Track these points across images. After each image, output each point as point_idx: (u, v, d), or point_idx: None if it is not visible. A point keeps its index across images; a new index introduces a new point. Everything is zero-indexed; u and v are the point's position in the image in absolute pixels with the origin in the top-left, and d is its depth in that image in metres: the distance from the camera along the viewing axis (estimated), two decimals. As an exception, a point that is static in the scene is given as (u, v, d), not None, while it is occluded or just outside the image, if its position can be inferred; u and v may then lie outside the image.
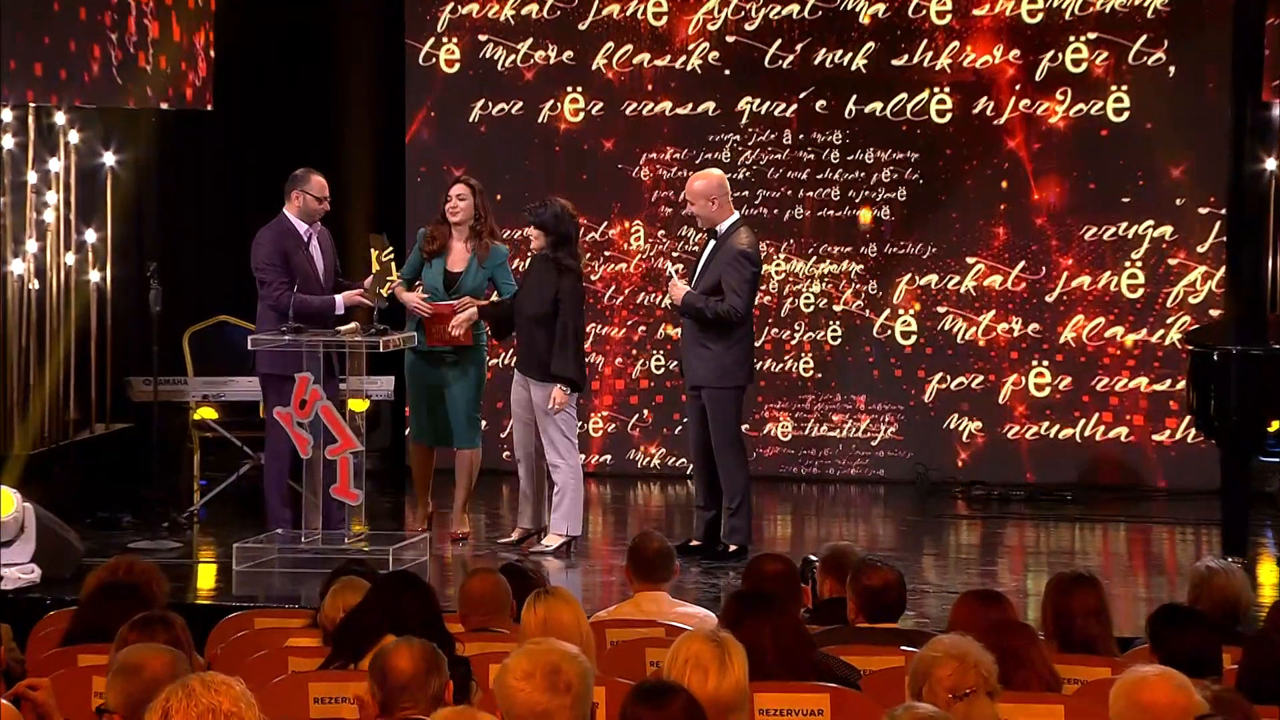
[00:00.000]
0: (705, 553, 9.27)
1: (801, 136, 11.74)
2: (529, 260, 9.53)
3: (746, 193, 11.65)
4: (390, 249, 9.36)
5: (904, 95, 11.58)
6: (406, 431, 10.22)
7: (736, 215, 9.41)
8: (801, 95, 11.68)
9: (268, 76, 11.95)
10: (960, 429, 11.65)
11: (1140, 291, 11.44)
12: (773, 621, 5.09)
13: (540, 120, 11.97)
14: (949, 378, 11.65)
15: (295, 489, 9.37)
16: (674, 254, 11.70)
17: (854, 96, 11.63)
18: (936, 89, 11.56)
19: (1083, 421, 11.54)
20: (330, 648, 5.39)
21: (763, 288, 11.26)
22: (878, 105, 11.63)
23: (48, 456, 10.47)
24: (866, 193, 11.69)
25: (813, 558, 6.66)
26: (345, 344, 9.02)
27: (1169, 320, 11.41)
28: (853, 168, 11.70)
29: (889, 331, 11.73)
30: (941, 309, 11.66)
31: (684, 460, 11.51)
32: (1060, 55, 11.44)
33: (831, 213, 11.75)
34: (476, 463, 9.66)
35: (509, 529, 9.65)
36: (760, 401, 11.76)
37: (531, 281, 9.33)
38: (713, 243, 9.33)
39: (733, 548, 9.25)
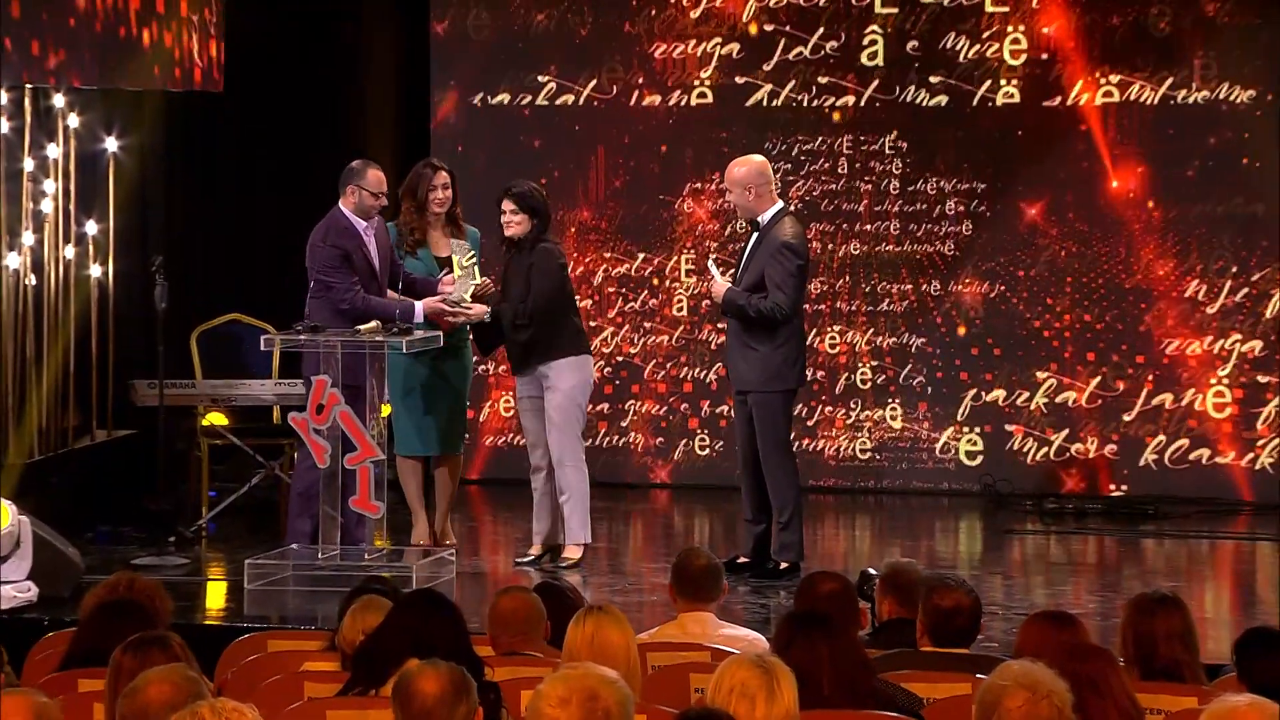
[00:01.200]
0: (754, 570, 9.26)
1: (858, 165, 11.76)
2: (509, 250, 9.47)
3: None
4: (473, 253, 9.35)
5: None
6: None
7: (780, 205, 9.38)
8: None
9: (283, 55, 11.98)
10: (1028, 449, 11.60)
11: (1222, 299, 11.39)
12: (828, 645, 5.07)
13: (579, 102, 11.97)
14: (1018, 382, 11.61)
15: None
16: (712, 249, 11.72)
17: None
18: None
19: (1165, 431, 11.48)
20: (349, 672, 5.40)
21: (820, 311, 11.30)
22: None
23: (45, 466, 10.51)
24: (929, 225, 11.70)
25: (872, 571, 6.64)
26: (365, 344, 9.03)
27: (1257, 330, 11.37)
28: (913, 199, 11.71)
29: (952, 331, 11.70)
30: (1004, 307, 11.63)
31: (705, 470, 11.51)
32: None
33: (890, 248, 11.75)
34: (459, 470, 9.72)
35: (491, 541, 9.64)
36: (813, 406, 11.74)
37: (520, 273, 9.31)
38: (754, 235, 9.32)
39: (783, 565, 9.24)
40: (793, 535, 9.25)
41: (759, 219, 9.28)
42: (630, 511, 11.53)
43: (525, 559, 9.49)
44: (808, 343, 9.88)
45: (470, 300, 9.32)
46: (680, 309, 12.00)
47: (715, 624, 6.44)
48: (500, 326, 9.38)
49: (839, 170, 11.81)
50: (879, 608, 6.40)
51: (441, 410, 9.57)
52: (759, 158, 9.56)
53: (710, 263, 9.67)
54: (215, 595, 9.13)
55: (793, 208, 11.38)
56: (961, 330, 11.69)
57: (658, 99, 11.93)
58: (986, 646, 7.43)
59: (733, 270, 9.53)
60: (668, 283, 12.01)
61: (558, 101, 11.99)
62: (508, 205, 9.39)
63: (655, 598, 8.78)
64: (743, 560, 9.33)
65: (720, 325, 11.09)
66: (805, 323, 10.00)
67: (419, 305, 9.28)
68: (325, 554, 9.02)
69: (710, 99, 11.88)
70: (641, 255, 11.99)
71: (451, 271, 9.41)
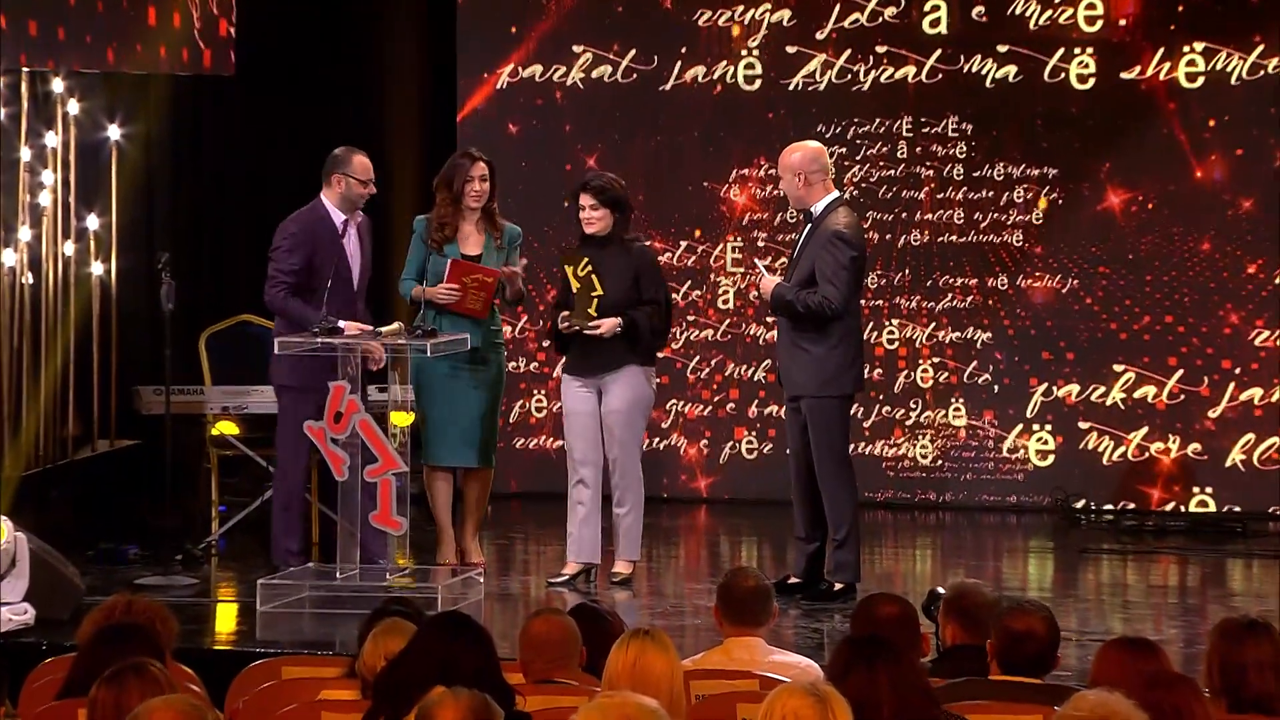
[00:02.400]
0: (806, 592, 9.24)
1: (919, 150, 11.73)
2: (583, 247, 9.46)
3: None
4: (586, 260, 9.35)
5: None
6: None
7: (835, 194, 9.35)
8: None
9: (298, 35, 12.00)
10: (1103, 449, 11.56)
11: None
12: (889, 672, 5.04)
13: (616, 75, 11.96)
14: (1093, 377, 11.56)
15: (330, 515, 9.42)
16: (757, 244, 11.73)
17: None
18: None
19: (1253, 438, 11.42)
20: (370, 701, 5.40)
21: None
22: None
23: (43, 478, 10.55)
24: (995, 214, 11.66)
25: (942, 590, 6.62)
26: (388, 348, 9.05)
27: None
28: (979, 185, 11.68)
29: (1021, 331, 11.66)
30: (1077, 307, 11.60)
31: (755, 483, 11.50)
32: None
33: (953, 238, 11.72)
34: (489, 484, 9.73)
35: (523, 560, 9.64)
36: (870, 407, 11.70)
37: (616, 273, 9.33)
38: (807, 227, 9.30)
39: (838, 586, 9.22)
40: (849, 554, 9.22)
41: (811, 209, 9.26)
42: (672, 527, 11.51)
43: (559, 578, 9.48)
44: (863, 334, 9.86)
45: (594, 315, 9.30)
46: (726, 301, 11.98)
47: (764, 650, 6.43)
48: (635, 335, 9.33)
49: (899, 155, 11.78)
50: (942, 632, 6.37)
51: (473, 419, 9.58)
52: (814, 143, 9.53)
53: (759, 263, 9.65)
54: (225, 618, 9.15)
55: (848, 195, 11.37)
56: (1032, 331, 11.65)
57: (700, 70, 11.90)
58: (1059, 676, 7.39)
59: (784, 263, 9.53)
60: (712, 275, 11.99)
61: (593, 74, 11.98)
62: (586, 200, 9.39)
63: (699, 621, 8.76)
64: (794, 581, 9.31)
65: (769, 319, 11.07)
66: (861, 320, 9.94)
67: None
68: (344, 574, 9.03)
69: (758, 69, 11.85)
70: (684, 244, 11.98)
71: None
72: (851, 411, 9.49)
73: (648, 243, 9.64)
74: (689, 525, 11.63)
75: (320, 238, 9.45)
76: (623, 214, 9.42)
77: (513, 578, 9.91)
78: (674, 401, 11.98)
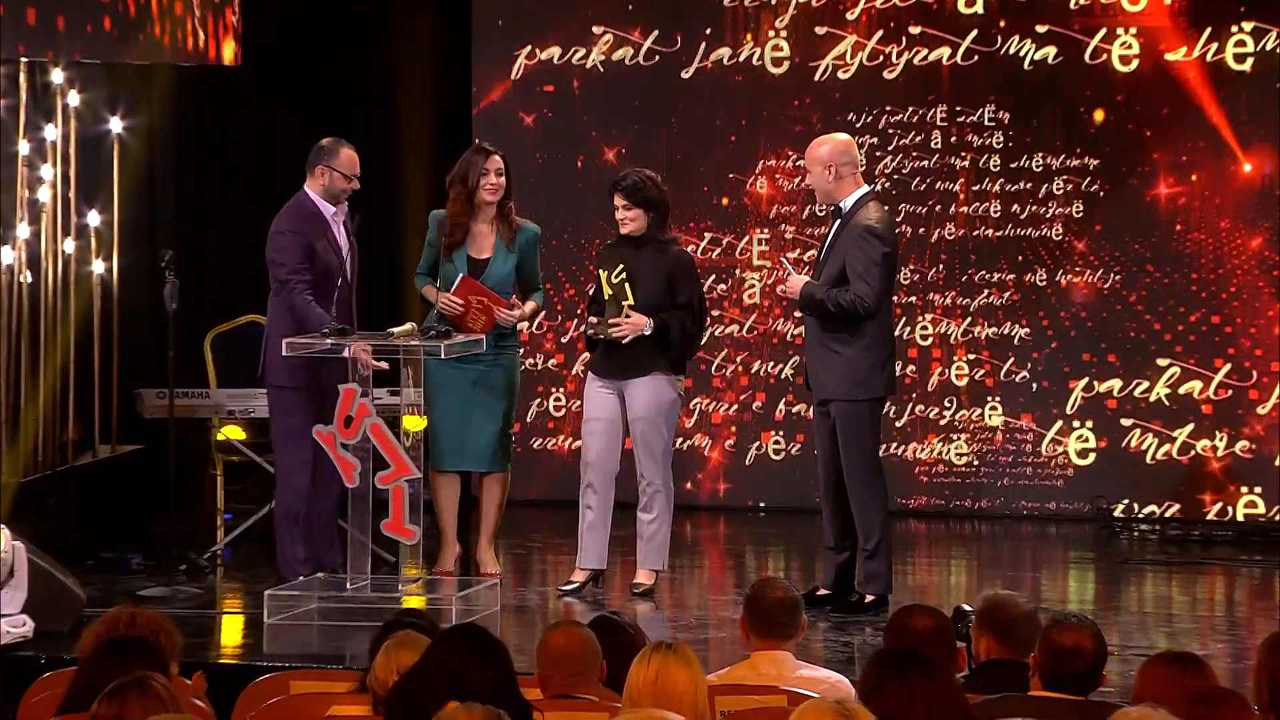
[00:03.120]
0: (836, 603, 9.24)
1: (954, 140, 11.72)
2: (618, 247, 9.50)
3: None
4: (621, 268, 9.35)
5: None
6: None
7: (865, 189, 9.34)
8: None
9: (307, 25, 12.02)
10: (1147, 446, 11.53)
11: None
12: (925, 688, 5.04)
13: (638, 57, 11.96)
14: (1137, 373, 11.53)
15: (342, 526, 9.44)
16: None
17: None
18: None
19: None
20: (382, 716, 5.41)
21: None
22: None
23: (42, 485, 10.58)
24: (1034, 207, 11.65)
25: (966, 608, 6.61)
26: (400, 349, 9.06)
27: None
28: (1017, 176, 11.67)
29: (1060, 330, 11.65)
30: (1119, 306, 11.58)
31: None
32: None
33: (990, 232, 11.71)
34: (506, 490, 9.75)
35: (541, 570, 9.65)
36: (903, 405, 11.68)
37: (652, 275, 9.35)
38: (836, 223, 9.30)
39: (869, 598, 9.22)
40: (880, 564, 9.22)
41: (841, 204, 9.25)
42: (696, 535, 11.52)
43: (569, 586, 9.51)
44: (895, 333, 9.85)
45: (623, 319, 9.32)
46: (753, 297, 11.98)
47: (792, 664, 6.43)
48: (666, 338, 9.35)
49: (932, 145, 11.78)
50: (975, 647, 6.37)
51: (483, 421, 9.59)
52: (843, 135, 9.54)
53: (785, 260, 9.65)
54: (231, 630, 9.16)
55: (879, 187, 11.38)
56: (1072, 333, 11.63)
57: (725, 53, 11.89)
58: (1102, 692, 7.38)
59: (810, 264, 9.53)
60: (738, 271, 11.99)
61: (614, 56, 11.97)
62: (620, 201, 9.41)
63: (724, 634, 8.77)
64: (823, 592, 9.31)
65: (797, 315, 11.08)
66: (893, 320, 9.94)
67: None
68: (354, 585, 9.04)
69: (786, 51, 11.84)
70: (708, 236, 11.99)
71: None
72: (883, 414, 9.49)
73: (685, 248, 9.63)
74: (712, 533, 11.63)
75: (311, 231, 9.47)
76: (657, 213, 9.43)
77: (530, 589, 9.91)
78: (698, 401, 11.98)
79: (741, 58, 11.92)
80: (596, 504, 9.47)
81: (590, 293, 9.76)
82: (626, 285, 9.32)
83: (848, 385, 9.17)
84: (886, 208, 9.57)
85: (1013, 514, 11.70)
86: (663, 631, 8.82)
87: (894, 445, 11.68)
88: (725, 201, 11.98)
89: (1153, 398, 11.55)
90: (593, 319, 9.45)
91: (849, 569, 9.31)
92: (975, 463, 11.75)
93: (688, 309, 9.43)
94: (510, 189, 9.68)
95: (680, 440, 11.94)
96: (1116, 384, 11.58)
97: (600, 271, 9.45)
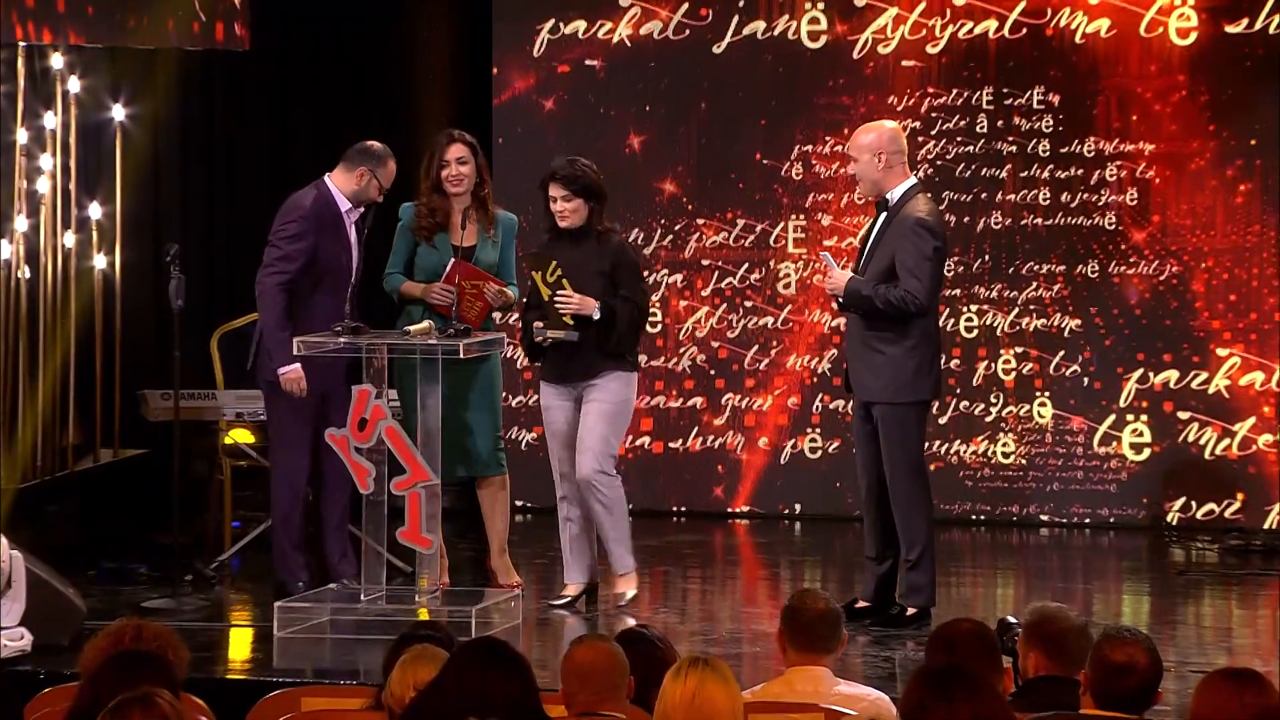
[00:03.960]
0: (876, 616, 9.24)
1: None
2: (554, 240, 9.41)
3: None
4: (556, 265, 9.27)
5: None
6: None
7: (914, 179, 9.35)
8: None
9: (318, 7, 12.03)
10: (1205, 441, 11.50)
11: None
12: (973, 706, 5.03)
13: (666, 31, 11.96)
14: (1195, 363, 11.51)
15: (355, 533, 9.47)
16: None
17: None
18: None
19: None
20: (397, 735, 5.42)
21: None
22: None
23: (41, 491, 10.60)
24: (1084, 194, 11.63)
25: (1011, 620, 6.61)
26: (416, 348, 9.07)
27: None
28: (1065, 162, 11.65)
29: (1112, 326, 11.62)
30: (1175, 303, 11.55)
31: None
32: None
33: (1038, 221, 11.69)
34: (508, 493, 9.73)
35: (561, 579, 9.63)
36: (946, 401, 11.65)
37: (594, 271, 9.31)
38: (882, 216, 9.29)
39: (911, 610, 9.22)
40: (923, 576, 9.22)
41: (887, 195, 9.24)
42: (729, 543, 11.53)
43: (560, 601, 9.52)
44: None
45: (572, 324, 9.26)
46: (788, 286, 11.96)
47: (831, 680, 6.43)
48: (612, 326, 9.31)
49: (978, 129, 11.76)
50: (1023, 662, 6.36)
51: (465, 423, 9.54)
52: (891, 123, 9.56)
53: (826, 255, 9.59)
54: (240, 644, 9.18)
55: (922, 173, 11.37)
56: (1126, 330, 11.60)
57: (760, 26, 11.88)
58: (1157, 711, 7.38)
59: (849, 257, 9.52)
60: (772, 261, 11.98)
61: (641, 30, 11.96)
62: (556, 191, 9.33)
63: (758, 649, 8.78)
64: (863, 604, 9.31)
65: (834, 307, 11.07)
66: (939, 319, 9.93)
67: (289, 368, 9.34)
68: (368, 596, 9.06)
69: (823, 24, 11.82)
70: (741, 222, 11.98)
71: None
72: (926, 419, 9.48)
73: (626, 239, 9.56)
74: (745, 541, 11.63)
75: (326, 225, 9.52)
76: (598, 203, 9.37)
77: (554, 599, 9.91)
78: (729, 397, 11.96)
79: (776, 31, 11.90)
80: (578, 516, 9.46)
81: (526, 300, 9.62)
82: (565, 280, 9.25)
83: (893, 387, 9.15)
84: (934, 201, 9.55)
85: (1063, 521, 11.68)
86: (693, 645, 8.81)
87: (939, 443, 11.66)
88: (758, 187, 11.94)
89: (1211, 390, 11.51)
90: (537, 323, 9.37)
91: (890, 580, 9.31)
92: (1023, 464, 11.72)
93: (630, 304, 9.35)
94: (485, 176, 9.65)
95: (713, 439, 11.94)
96: (1173, 375, 11.53)
97: (533, 273, 9.36)
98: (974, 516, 11.77)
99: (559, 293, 9.25)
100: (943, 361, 9.61)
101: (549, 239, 9.47)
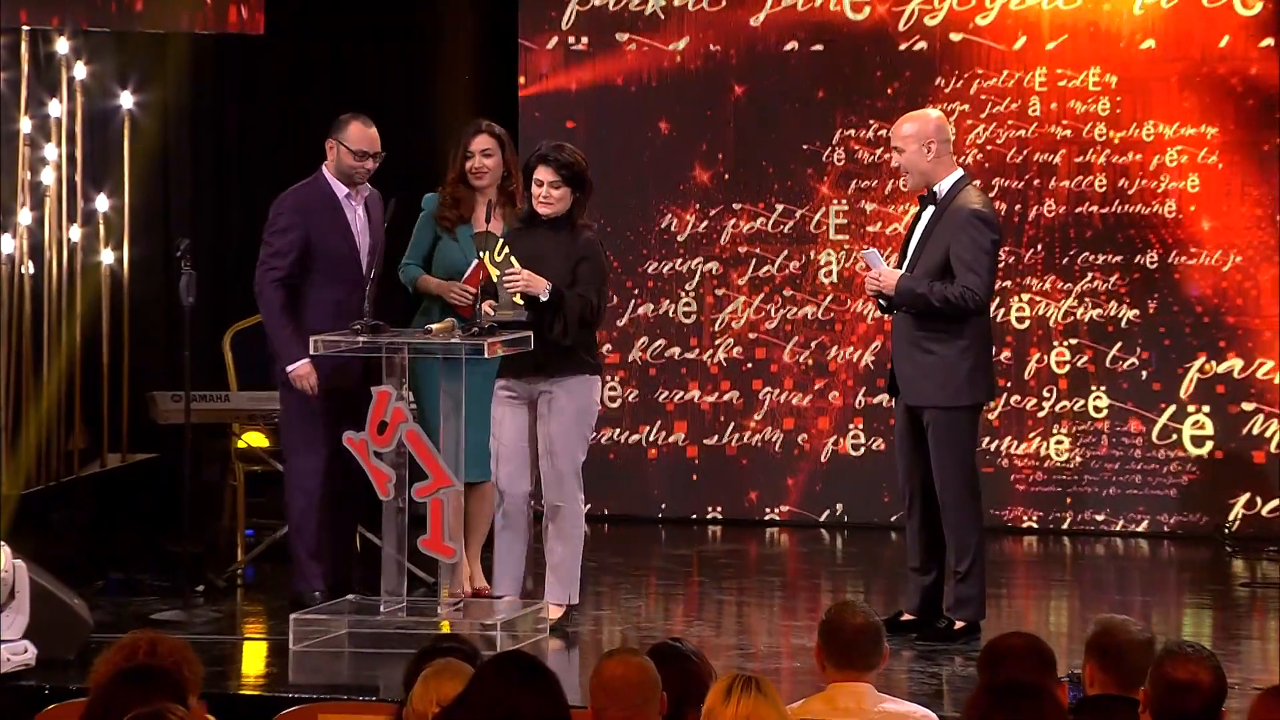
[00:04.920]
0: (922, 630, 9.24)
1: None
2: (523, 225, 9.37)
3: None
4: (503, 243, 9.21)
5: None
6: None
7: (961, 171, 9.34)
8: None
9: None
10: (1270, 434, 11.48)
11: None
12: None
13: (713, 9, 11.98)
14: (1259, 362, 11.49)
15: (373, 540, 9.48)
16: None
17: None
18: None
19: None
20: (419, 754, 5.44)
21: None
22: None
23: (45, 498, 10.63)
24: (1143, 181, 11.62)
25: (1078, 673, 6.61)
26: (437, 347, 9.09)
27: None
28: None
29: (1173, 323, 11.60)
30: (1240, 300, 11.53)
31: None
32: None
33: (1094, 209, 11.68)
34: (493, 501, 9.67)
35: (593, 591, 9.63)
36: (998, 403, 11.64)
37: (562, 260, 9.30)
38: (929, 209, 9.27)
39: (959, 624, 9.21)
40: (972, 588, 9.21)
41: (935, 187, 9.24)
42: (765, 551, 11.53)
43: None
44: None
45: (520, 303, 9.21)
46: (830, 274, 11.95)
47: (874, 697, 6.44)
48: (559, 310, 9.24)
49: (1030, 112, 11.74)
50: (1084, 678, 6.37)
51: (472, 427, 9.51)
52: (936, 112, 9.57)
53: (872, 252, 9.47)
54: (253, 658, 9.21)
55: (971, 159, 11.37)
56: (1186, 327, 11.58)
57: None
58: (1217, 728, 7.39)
59: (893, 251, 9.51)
60: (812, 250, 11.97)
61: (675, 1, 11.96)
62: (546, 175, 9.25)
63: (797, 664, 8.78)
64: (907, 618, 9.32)
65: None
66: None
67: (296, 363, 9.37)
68: (388, 608, 9.08)
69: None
70: (781, 207, 11.98)
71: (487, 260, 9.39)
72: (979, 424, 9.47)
73: (596, 235, 9.48)
74: (783, 550, 11.62)
75: (318, 212, 9.52)
76: (583, 194, 9.34)
77: (584, 612, 9.93)
78: (767, 392, 11.94)
79: (817, 2, 11.87)
80: (511, 529, 9.34)
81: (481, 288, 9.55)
82: (513, 259, 9.17)
83: (947, 391, 9.12)
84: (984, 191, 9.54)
85: (1121, 530, 11.65)
86: (730, 661, 8.83)
87: (989, 440, 11.61)
88: (797, 173, 11.91)
89: (1278, 379, 11.47)
90: (487, 306, 9.20)
91: (935, 592, 9.30)
92: (1079, 471, 11.69)
93: (583, 298, 9.25)
94: (512, 169, 9.64)
95: (750, 436, 11.94)
96: (1237, 364, 11.49)
97: (480, 253, 9.29)
98: (1026, 524, 11.74)
99: (507, 271, 9.21)
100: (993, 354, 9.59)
101: (520, 228, 9.37)
